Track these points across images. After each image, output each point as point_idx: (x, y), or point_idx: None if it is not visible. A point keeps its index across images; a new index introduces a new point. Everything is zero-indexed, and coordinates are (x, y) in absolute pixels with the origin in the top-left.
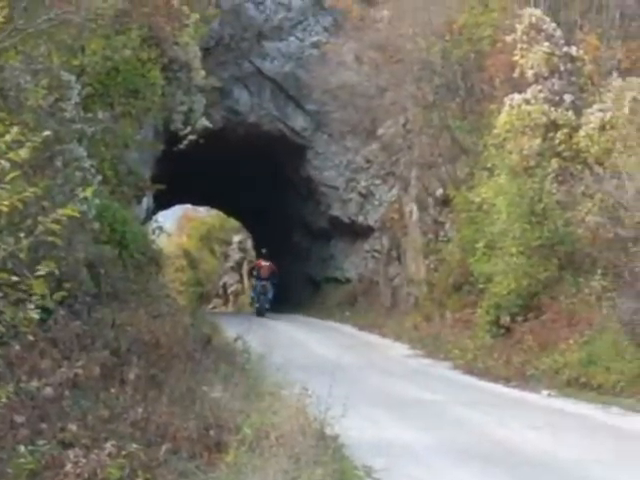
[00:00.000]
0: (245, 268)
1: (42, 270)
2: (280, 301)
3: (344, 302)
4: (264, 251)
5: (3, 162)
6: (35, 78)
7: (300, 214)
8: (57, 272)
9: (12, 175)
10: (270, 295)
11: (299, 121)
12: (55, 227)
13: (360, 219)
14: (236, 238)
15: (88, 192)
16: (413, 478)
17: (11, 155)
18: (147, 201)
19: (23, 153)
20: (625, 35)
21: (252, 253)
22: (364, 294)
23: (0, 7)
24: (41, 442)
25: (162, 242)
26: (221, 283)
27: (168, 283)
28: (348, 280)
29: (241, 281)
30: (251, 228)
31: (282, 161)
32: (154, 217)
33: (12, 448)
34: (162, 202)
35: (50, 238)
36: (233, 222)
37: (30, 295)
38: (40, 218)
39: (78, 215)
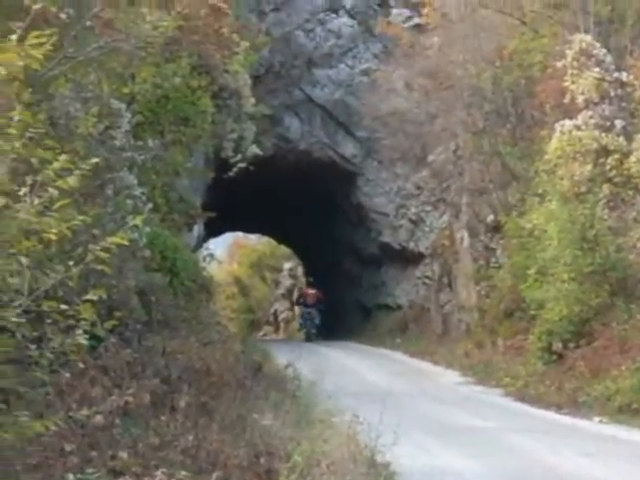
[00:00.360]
0: (296, 295)
1: (91, 296)
2: (331, 328)
3: (395, 329)
4: (311, 280)
5: (52, 190)
6: (85, 106)
7: (350, 240)
8: (107, 300)
9: (61, 203)
10: (317, 321)
11: (349, 148)
12: (105, 255)
13: (411, 245)
14: (287, 265)
15: (138, 220)
16: None
17: (60, 183)
18: (198, 229)
19: (72, 181)
20: None
21: (303, 280)
22: (415, 321)
23: (49, 35)
24: (90, 470)
25: (213, 269)
26: (272, 310)
27: (219, 310)
28: (399, 307)
29: (292, 308)
30: (302, 255)
31: (332, 188)
32: (205, 244)
33: (61, 476)
34: (213, 230)
35: (100, 266)
36: (284, 249)
37: (78, 321)
38: (90, 246)
39: (128, 243)
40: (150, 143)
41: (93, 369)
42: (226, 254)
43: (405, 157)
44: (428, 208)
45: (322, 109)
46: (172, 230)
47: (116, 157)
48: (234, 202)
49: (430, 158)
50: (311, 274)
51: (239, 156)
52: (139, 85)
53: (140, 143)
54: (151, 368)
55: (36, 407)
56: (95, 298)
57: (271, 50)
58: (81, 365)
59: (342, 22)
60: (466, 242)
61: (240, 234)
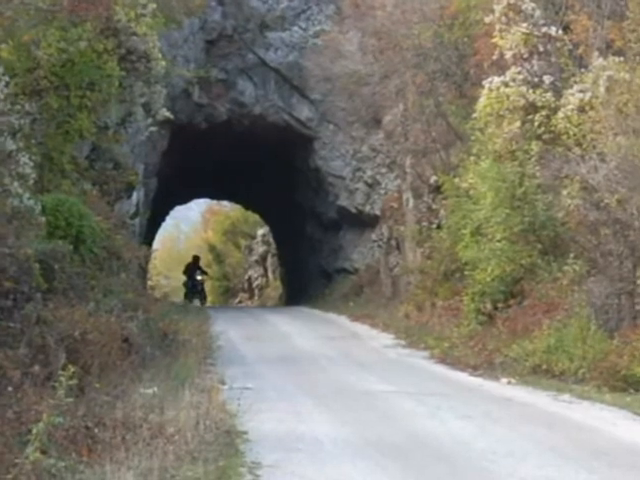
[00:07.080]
0: (269, 261)
1: None
2: (297, 294)
3: (351, 293)
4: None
5: None
6: None
7: (312, 205)
8: None
9: None
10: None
11: (304, 111)
12: None
13: (367, 209)
14: (260, 231)
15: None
16: (296, 475)
17: None
18: (137, 195)
19: None
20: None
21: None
22: (370, 284)
23: None
24: None
25: (188, 237)
26: (246, 277)
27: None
28: (356, 270)
29: (265, 275)
30: (269, 221)
31: (291, 152)
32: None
33: None
34: (178, 196)
35: None
36: (257, 216)
37: None
38: None
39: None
40: (27, 107)
41: None
42: (200, 221)
43: (360, 120)
44: (384, 170)
45: (276, 72)
46: (84, 197)
47: None
48: (194, 168)
49: (385, 120)
50: (278, 240)
51: (150, 120)
52: (44, 50)
53: (17, 107)
54: (25, 337)
55: None
56: None
57: (223, 14)
58: None
59: None
60: (411, 203)
61: (214, 201)
